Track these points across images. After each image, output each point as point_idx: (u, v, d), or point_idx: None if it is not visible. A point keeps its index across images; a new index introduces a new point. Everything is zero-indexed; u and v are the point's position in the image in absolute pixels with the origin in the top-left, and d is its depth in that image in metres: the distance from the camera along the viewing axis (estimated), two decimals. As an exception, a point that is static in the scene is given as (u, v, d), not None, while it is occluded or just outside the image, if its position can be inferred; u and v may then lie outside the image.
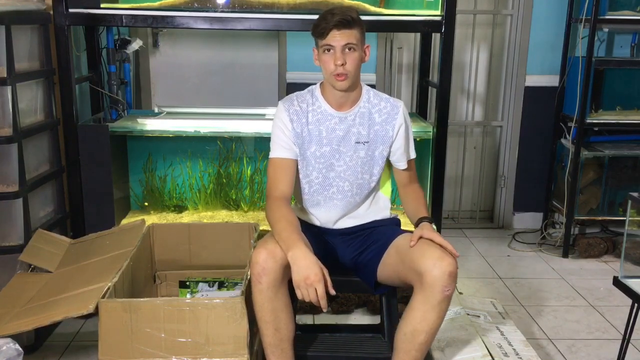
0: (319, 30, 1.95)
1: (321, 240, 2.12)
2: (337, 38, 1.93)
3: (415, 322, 1.86)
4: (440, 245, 1.87)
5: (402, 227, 2.24)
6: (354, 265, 2.13)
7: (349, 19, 1.92)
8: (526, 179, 4.10)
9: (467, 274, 3.41)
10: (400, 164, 2.14)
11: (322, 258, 2.08)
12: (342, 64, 1.94)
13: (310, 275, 1.78)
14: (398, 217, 2.27)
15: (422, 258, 1.84)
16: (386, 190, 2.23)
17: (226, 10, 2.76)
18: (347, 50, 1.94)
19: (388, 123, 2.08)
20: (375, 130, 2.07)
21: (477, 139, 4.19)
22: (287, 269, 1.85)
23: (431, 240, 1.89)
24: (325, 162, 2.08)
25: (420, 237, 1.92)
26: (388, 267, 2.02)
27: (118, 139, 3.01)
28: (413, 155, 2.17)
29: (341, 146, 2.07)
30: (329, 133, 2.07)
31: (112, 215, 2.84)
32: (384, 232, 2.10)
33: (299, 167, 2.11)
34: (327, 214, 2.14)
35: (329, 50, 1.95)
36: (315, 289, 1.78)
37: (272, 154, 2.10)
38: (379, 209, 2.19)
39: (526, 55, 3.91)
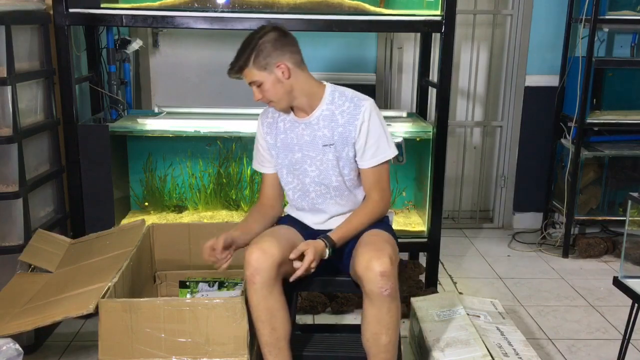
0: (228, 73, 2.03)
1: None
2: (242, 79, 2.01)
3: (372, 326, 1.88)
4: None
5: (395, 226, 2.21)
6: (344, 268, 2.12)
7: (236, 68, 1.98)
8: (526, 179, 4.10)
9: (467, 274, 3.41)
10: (361, 163, 2.05)
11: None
12: (260, 99, 2.02)
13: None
14: (389, 215, 2.22)
15: (358, 261, 1.84)
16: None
17: (226, 10, 2.75)
18: (255, 87, 2.01)
19: (350, 123, 2.01)
20: (339, 132, 2.02)
21: (477, 139, 4.19)
22: (280, 267, 1.86)
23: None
24: (300, 169, 2.09)
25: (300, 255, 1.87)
26: (352, 271, 2.01)
27: (118, 139, 3.01)
28: (380, 158, 2.04)
29: (310, 151, 2.06)
30: (299, 139, 2.07)
31: (112, 215, 2.84)
32: (359, 233, 2.06)
33: (280, 175, 2.16)
34: (314, 218, 2.15)
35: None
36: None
37: (254, 166, 2.25)
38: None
39: (526, 55, 3.91)
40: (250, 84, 2.00)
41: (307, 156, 2.07)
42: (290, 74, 1.97)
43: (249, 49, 1.97)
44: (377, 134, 2.02)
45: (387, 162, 2.07)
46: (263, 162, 2.20)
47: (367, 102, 2.03)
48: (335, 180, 2.07)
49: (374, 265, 1.80)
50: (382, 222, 2.15)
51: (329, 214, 2.13)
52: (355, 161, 2.07)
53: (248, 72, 1.98)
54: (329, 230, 2.11)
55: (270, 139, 2.13)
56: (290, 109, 2.07)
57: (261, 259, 1.83)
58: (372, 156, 2.03)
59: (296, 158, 2.09)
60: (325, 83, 2.09)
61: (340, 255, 2.10)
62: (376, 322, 1.86)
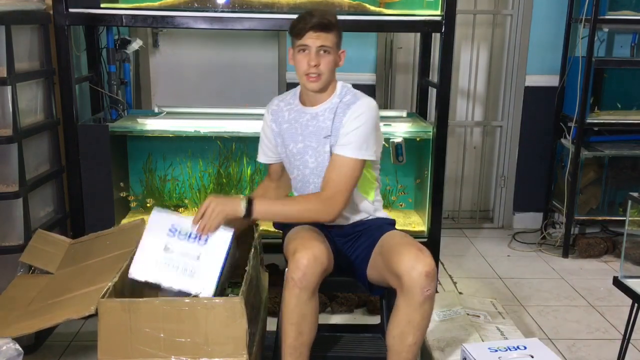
0: (296, 30, 1.97)
1: (328, 239, 2.11)
2: (313, 39, 1.95)
3: (401, 325, 1.87)
4: None
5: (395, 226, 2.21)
6: (349, 267, 2.13)
7: (326, 22, 1.94)
8: (526, 179, 4.10)
9: (467, 274, 3.41)
10: (334, 147, 2.02)
11: (337, 258, 2.07)
12: (316, 65, 1.96)
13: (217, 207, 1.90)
14: (391, 218, 2.24)
15: (399, 261, 1.83)
16: (364, 191, 2.16)
17: (226, 10, 2.76)
18: (322, 52, 1.96)
19: (345, 114, 2.02)
20: (336, 123, 2.03)
21: (477, 139, 4.19)
22: (324, 273, 1.87)
23: None
24: (301, 159, 2.10)
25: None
26: (375, 270, 2.02)
27: (118, 139, 3.01)
28: (352, 152, 1.98)
29: (313, 142, 2.07)
30: (303, 130, 2.08)
31: (112, 215, 2.84)
32: (371, 233, 2.08)
33: (287, 164, 2.17)
34: None
35: (304, 50, 1.97)
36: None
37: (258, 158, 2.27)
38: (361, 208, 2.15)
39: (526, 55, 3.91)
40: (319, 47, 1.95)
41: (308, 147, 2.08)
42: (341, 64, 2.05)
43: (334, 20, 1.98)
44: (362, 129, 1.99)
45: (358, 164, 1.99)
46: (267, 152, 2.20)
47: (367, 99, 2.04)
48: None
49: (419, 265, 1.79)
50: (392, 226, 2.17)
51: None
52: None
53: (330, 35, 1.96)
54: (332, 229, 2.13)
55: (275, 127, 2.14)
56: (321, 90, 2.04)
57: (312, 265, 1.81)
58: (345, 144, 1.99)
59: (298, 148, 2.09)
60: (337, 80, 2.12)
61: (350, 259, 2.12)
62: (407, 321, 1.85)
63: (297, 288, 1.83)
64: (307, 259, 1.82)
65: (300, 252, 1.83)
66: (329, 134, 2.04)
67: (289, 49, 2.06)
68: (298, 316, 1.87)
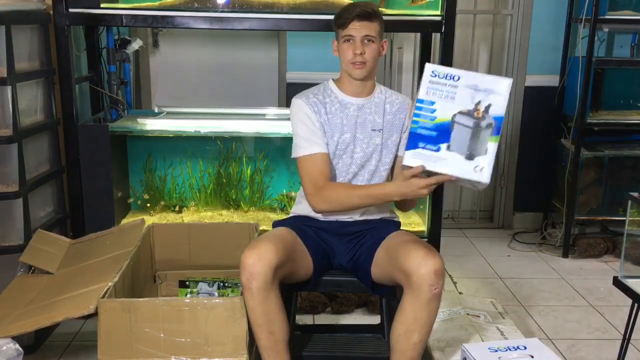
0: (341, 21, 2.04)
1: (322, 239, 2.13)
2: (358, 28, 2.01)
3: (407, 323, 1.87)
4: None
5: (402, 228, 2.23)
6: (352, 266, 2.14)
7: (370, 12, 2.02)
8: (526, 179, 4.10)
9: (467, 274, 3.41)
10: (402, 150, 2.09)
11: (322, 258, 2.09)
12: (361, 53, 2.02)
13: (416, 190, 1.85)
14: (398, 218, 2.26)
15: (408, 258, 1.85)
16: None
17: (226, 10, 2.76)
18: (366, 41, 2.03)
19: (401, 112, 2.14)
20: (388, 119, 2.13)
21: (477, 139, 4.18)
22: (276, 270, 1.85)
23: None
24: (346, 149, 2.12)
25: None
26: (379, 268, 2.03)
27: (118, 139, 3.01)
28: None
29: (358, 132, 2.11)
30: (348, 120, 2.12)
31: (112, 215, 2.84)
32: (377, 232, 2.11)
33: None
34: None
35: (349, 40, 2.04)
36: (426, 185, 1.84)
37: (302, 152, 2.06)
38: (382, 206, 2.17)
39: (526, 55, 3.91)
40: (364, 36, 2.01)
41: (356, 138, 2.11)
42: (383, 54, 2.11)
43: (377, 9, 2.05)
44: None
45: None
46: (315, 139, 2.07)
47: (409, 99, 2.19)
48: (375, 165, 2.12)
49: (429, 262, 1.81)
50: (397, 227, 2.19)
51: None
52: (394, 150, 2.14)
53: (373, 24, 2.03)
54: (336, 227, 2.14)
55: (319, 118, 2.10)
56: (365, 78, 2.10)
57: (257, 263, 1.82)
58: None
59: (344, 139, 2.11)
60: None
61: (354, 257, 2.12)
62: (413, 319, 1.86)
63: (250, 289, 1.84)
64: (252, 259, 1.83)
65: (245, 253, 1.86)
66: (380, 128, 2.11)
67: (333, 41, 2.12)
68: (262, 316, 1.87)
